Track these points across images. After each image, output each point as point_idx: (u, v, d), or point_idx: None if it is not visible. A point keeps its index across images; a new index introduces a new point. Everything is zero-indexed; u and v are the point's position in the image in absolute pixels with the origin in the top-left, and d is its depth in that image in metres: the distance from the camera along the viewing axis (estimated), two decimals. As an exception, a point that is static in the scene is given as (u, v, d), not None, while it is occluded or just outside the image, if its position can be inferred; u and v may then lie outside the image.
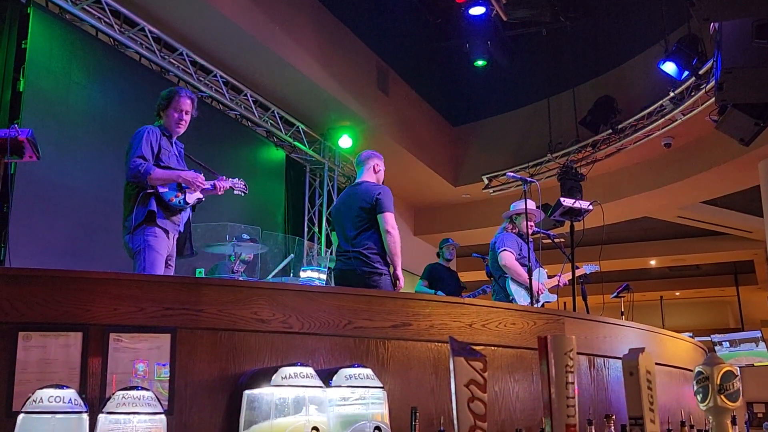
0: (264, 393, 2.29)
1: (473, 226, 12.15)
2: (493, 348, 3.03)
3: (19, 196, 5.57)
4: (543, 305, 5.73)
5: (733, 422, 2.80)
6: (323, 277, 6.50)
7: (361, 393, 2.34)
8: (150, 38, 7.06)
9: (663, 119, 9.08)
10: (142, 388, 2.09)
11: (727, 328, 16.40)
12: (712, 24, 3.79)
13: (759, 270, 15.41)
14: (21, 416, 1.98)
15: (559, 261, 5.72)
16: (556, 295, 5.95)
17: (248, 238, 6.07)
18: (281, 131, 9.05)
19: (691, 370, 3.18)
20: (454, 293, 7.02)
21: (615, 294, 6.73)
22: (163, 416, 2.09)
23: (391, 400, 2.44)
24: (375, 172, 4.69)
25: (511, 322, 3.14)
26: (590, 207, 5.30)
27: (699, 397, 2.84)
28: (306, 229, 9.76)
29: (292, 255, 5.80)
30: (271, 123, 8.93)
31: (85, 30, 6.60)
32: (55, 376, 2.25)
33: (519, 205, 5.75)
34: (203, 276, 5.96)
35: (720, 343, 7.92)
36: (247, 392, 2.34)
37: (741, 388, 2.82)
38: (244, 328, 2.56)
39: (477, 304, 3.10)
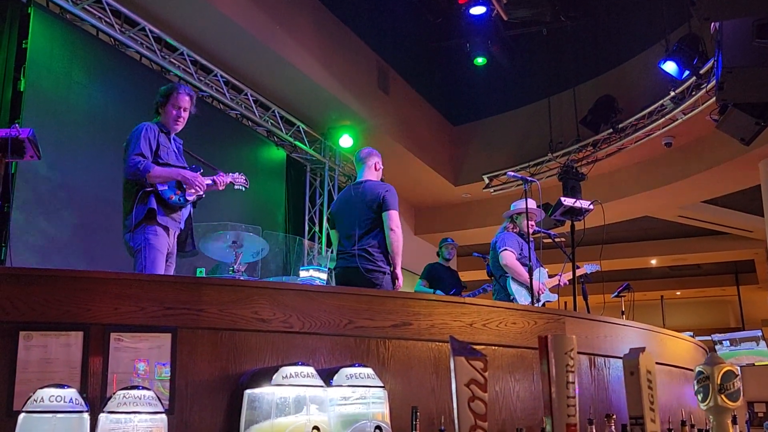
0: (265, 392, 2.29)
1: (474, 226, 12.15)
2: (493, 347, 3.04)
3: (20, 195, 5.58)
4: (544, 305, 5.73)
5: (734, 422, 2.80)
6: (324, 276, 6.50)
7: (362, 392, 2.34)
8: (151, 38, 7.06)
9: (664, 119, 9.08)
10: (143, 388, 2.09)
11: (728, 328, 16.40)
12: (712, 23, 3.79)
13: (759, 269, 15.41)
14: (22, 415, 1.98)
15: (559, 260, 5.71)
16: (556, 295, 5.95)
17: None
18: (282, 131, 9.05)
19: (691, 370, 3.18)
20: (454, 293, 7.02)
21: (615, 293, 6.73)
22: (163, 415, 2.09)
23: (391, 399, 2.44)
24: (376, 170, 4.68)
25: (512, 321, 3.14)
26: (591, 206, 5.30)
27: (700, 397, 2.84)
28: (306, 229, 9.77)
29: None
30: (271, 122, 8.93)
31: (85, 30, 6.60)
32: (55, 376, 2.25)
33: (520, 205, 5.75)
34: (204, 276, 5.96)
35: (720, 343, 7.93)
36: (247, 392, 2.34)
37: (742, 388, 2.82)
38: (245, 327, 2.56)
39: (477, 303, 3.10)
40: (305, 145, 9.50)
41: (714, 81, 4.22)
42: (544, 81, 10.70)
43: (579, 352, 2.88)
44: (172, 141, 4.10)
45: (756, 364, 7.32)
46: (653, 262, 15.63)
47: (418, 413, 2.22)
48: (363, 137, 9.74)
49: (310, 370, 2.27)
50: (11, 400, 2.21)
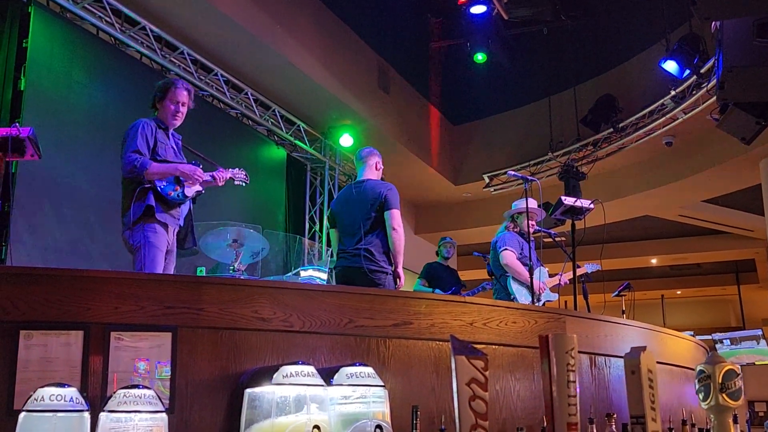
0: (265, 392, 2.28)
1: (474, 225, 12.15)
2: (494, 347, 3.03)
3: (20, 194, 5.57)
4: (544, 304, 5.73)
5: (735, 421, 2.79)
6: (324, 276, 6.50)
7: (363, 392, 2.34)
8: (151, 37, 7.06)
9: (664, 118, 9.07)
10: (144, 387, 2.09)
11: (729, 327, 16.40)
12: (713, 23, 3.78)
13: (760, 268, 15.42)
14: (22, 415, 1.98)
15: (560, 260, 5.71)
16: (557, 294, 5.95)
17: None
18: (282, 130, 9.05)
19: (692, 369, 3.17)
20: (453, 291, 7.02)
21: (616, 293, 6.72)
22: (164, 415, 2.09)
23: (392, 398, 2.44)
24: (377, 169, 4.68)
25: (513, 320, 3.14)
26: (591, 206, 5.30)
27: (700, 396, 2.83)
28: (307, 228, 9.77)
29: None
30: (272, 122, 8.93)
31: (86, 29, 6.60)
32: (56, 375, 2.25)
33: (520, 204, 5.75)
34: (204, 274, 5.96)
35: (721, 342, 7.93)
36: (248, 391, 2.34)
37: (743, 387, 2.82)
38: (245, 326, 2.56)
39: (478, 302, 3.10)
40: (305, 144, 9.50)
41: (714, 80, 4.23)
42: (544, 80, 10.70)
43: (579, 352, 2.88)
44: (170, 137, 4.04)
45: (756, 363, 7.32)
46: (654, 261, 15.63)
47: (419, 412, 2.22)
48: (363, 136, 9.74)
49: (311, 369, 2.27)
50: (12, 399, 2.21)
